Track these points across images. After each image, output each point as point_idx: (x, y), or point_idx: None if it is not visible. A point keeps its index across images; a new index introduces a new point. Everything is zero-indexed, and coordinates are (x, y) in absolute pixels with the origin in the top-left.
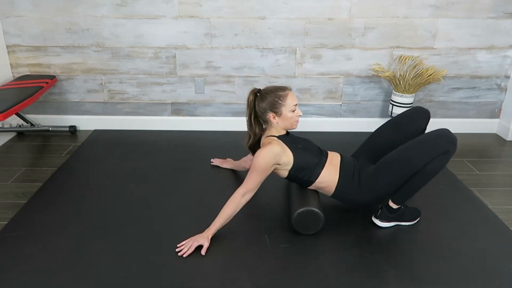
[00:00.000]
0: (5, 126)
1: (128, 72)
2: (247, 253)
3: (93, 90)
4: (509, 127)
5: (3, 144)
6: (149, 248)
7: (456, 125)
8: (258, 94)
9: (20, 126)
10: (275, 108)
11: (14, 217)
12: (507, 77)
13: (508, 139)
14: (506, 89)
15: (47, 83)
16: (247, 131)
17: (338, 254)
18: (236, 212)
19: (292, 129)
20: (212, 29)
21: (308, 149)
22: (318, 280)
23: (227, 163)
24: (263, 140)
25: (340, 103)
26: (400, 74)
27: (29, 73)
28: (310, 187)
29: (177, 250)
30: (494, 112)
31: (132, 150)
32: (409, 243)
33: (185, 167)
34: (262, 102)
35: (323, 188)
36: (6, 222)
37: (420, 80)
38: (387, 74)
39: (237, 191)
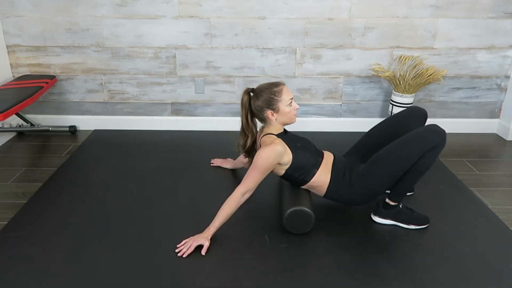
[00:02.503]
0: (5, 126)
1: (128, 72)
2: (247, 253)
3: (93, 90)
4: (509, 127)
5: (3, 144)
6: (149, 248)
7: (456, 125)
8: (252, 93)
9: (20, 126)
10: (272, 105)
11: (14, 217)
12: (507, 77)
13: (508, 139)
14: (506, 89)
15: (47, 83)
16: (242, 133)
17: (338, 254)
18: (235, 210)
19: (291, 123)
20: (212, 29)
21: (307, 148)
22: (318, 280)
23: (227, 163)
24: (262, 139)
25: (340, 103)
26: (400, 74)
27: (29, 73)
28: (304, 187)
29: (176, 250)
30: (494, 112)
31: (132, 150)
32: (409, 243)
33: (185, 167)
34: (258, 100)
35: (315, 188)
36: (6, 222)
37: (420, 80)
38: (387, 74)
39: (237, 189)
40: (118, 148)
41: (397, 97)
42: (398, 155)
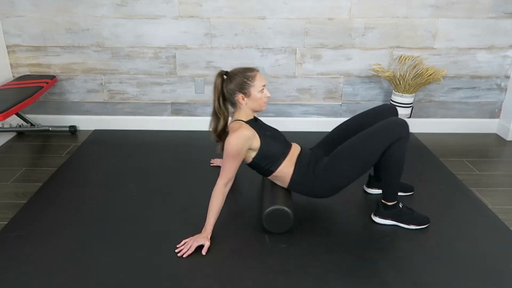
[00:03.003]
0: (5, 126)
1: (128, 72)
2: (247, 253)
3: (93, 90)
4: (509, 127)
5: (3, 144)
6: (149, 248)
7: (456, 125)
8: (226, 76)
9: (20, 126)
10: (243, 89)
11: (14, 217)
12: (507, 77)
13: (508, 139)
14: (506, 89)
15: (47, 83)
16: (214, 116)
17: (338, 254)
18: (223, 202)
19: (261, 110)
20: (212, 29)
21: (276, 138)
22: (318, 280)
23: None
24: (231, 124)
25: (340, 103)
26: (400, 74)
27: (29, 73)
28: (269, 177)
29: (176, 251)
30: (494, 112)
31: (132, 150)
32: (409, 243)
33: (185, 167)
34: (230, 83)
35: (279, 179)
36: (6, 222)
37: (420, 80)
38: (387, 74)
39: (218, 182)
40: (118, 148)
41: (397, 97)
42: (362, 149)
